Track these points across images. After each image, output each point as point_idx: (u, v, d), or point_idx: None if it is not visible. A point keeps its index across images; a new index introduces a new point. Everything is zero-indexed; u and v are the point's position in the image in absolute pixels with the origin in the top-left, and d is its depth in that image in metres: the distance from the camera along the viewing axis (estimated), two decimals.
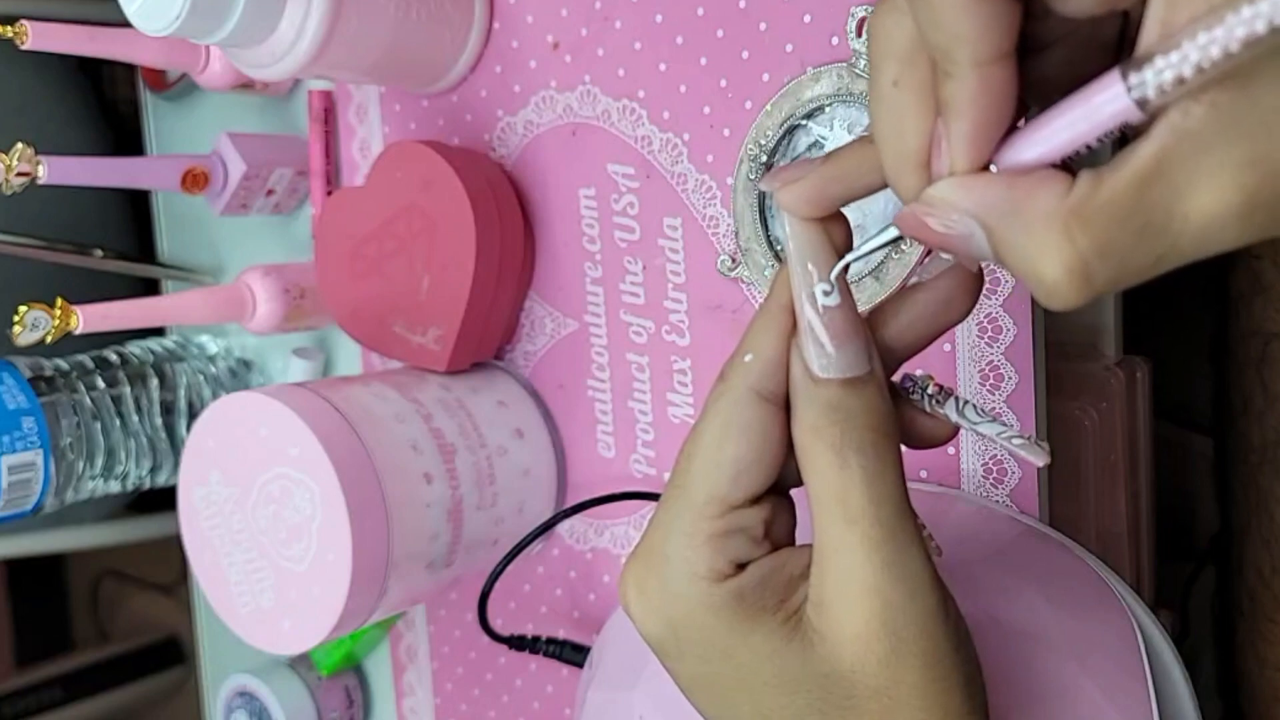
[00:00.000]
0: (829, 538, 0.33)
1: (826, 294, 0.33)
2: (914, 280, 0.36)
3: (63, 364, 0.74)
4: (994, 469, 0.53)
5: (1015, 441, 0.34)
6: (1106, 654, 0.45)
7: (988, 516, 0.51)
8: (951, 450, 0.53)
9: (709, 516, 0.34)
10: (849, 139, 0.54)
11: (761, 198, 0.56)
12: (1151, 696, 0.44)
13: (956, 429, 0.36)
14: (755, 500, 0.34)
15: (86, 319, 0.64)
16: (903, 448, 0.35)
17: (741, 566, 0.34)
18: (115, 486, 0.76)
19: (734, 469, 0.34)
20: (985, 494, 0.53)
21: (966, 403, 0.35)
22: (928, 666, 0.33)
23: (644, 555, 0.35)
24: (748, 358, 0.34)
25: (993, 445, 0.53)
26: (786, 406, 0.34)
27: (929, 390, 0.35)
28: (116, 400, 0.75)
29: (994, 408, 0.52)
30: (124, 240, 1.00)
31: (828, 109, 0.54)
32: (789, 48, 0.55)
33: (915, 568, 0.32)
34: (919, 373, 0.36)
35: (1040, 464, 0.34)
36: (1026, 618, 0.45)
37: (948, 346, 0.53)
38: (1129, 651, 0.45)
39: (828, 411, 0.32)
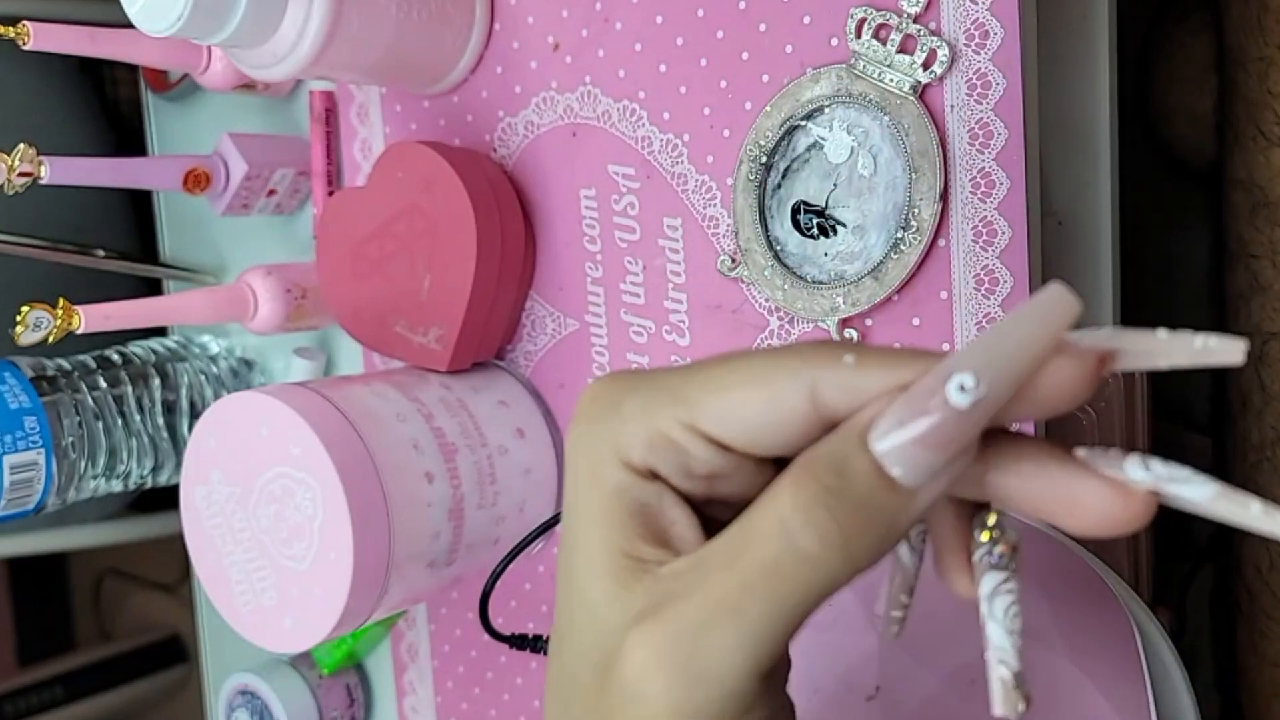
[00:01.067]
0: (717, 561, 0.28)
1: (965, 390, 0.26)
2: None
3: (65, 364, 0.74)
4: None
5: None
6: (1104, 652, 0.45)
7: None
8: (946, 347, 0.53)
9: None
10: (847, 137, 0.54)
11: (761, 198, 0.57)
12: (1149, 694, 0.44)
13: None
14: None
15: (88, 319, 0.64)
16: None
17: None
18: (117, 486, 0.76)
19: (746, 409, 0.29)
20: None
21: (1008, 580, 0.29)
22: None
23: None
24: (848, 359, 0.28)
25: None
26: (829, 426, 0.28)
27: (995, 548, 0.29)
28: (118, 400, 0.75)
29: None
30: (126, 240, 1.00)
31: (827, 110, 0.54)
32: (788, 49, 0.56)
33: (726, 689, 0.27)
34: (994, 523, 0.29)
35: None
36: (1026, 618, 0.45)
37: (946, 346, 0.54)
38: (1126, 650, 0.45)
39: (845, 485, 0.27)
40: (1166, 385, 0.75)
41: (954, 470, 0.27)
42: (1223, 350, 0.25)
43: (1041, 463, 0.27)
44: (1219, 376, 0.78)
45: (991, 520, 0.29)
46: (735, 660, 0.27)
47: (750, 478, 0.30)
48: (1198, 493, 0.26)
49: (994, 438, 0.28)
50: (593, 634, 0.29)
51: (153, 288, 0.92)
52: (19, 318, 0.62)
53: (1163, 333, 0.26)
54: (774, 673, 0.28)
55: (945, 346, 0.53)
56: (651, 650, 0.27)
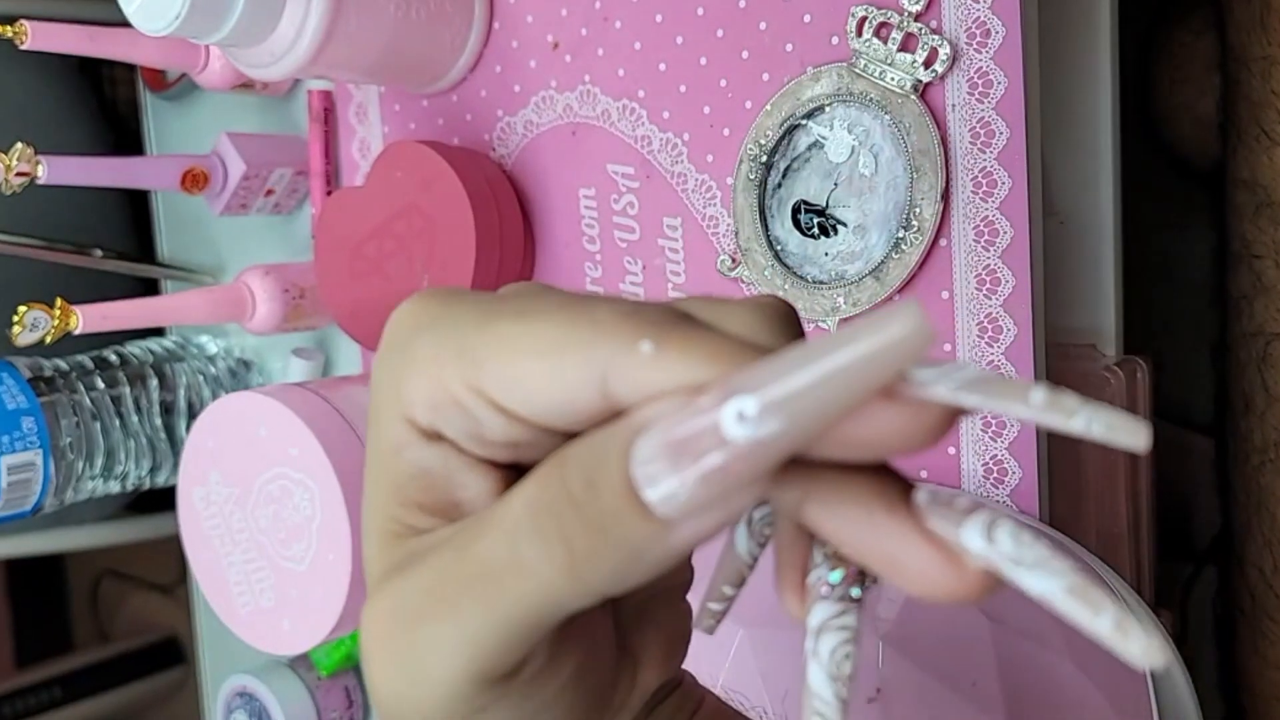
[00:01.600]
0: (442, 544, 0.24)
1: (745, 420, 0.20)
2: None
3: (62, 364, 0.74)
4: (994, 469, 0.53)
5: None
6: (1106, 655, 0.44)
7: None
8: (952, 450, 0.53)
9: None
10: (848, 136, 0.54)
11: (761, 198, 0.56)
12: (1151, 696, 0.44)
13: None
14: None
15: (86, 319, 0.64)
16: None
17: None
18: (115, 486, 0.76)
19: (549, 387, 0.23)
20: (985, 494, 0.53)
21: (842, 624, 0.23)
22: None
23: None
24: (645, 346, 0.22)
25: (992, 446, 0.53)
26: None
27: (831, 574, 0.24)
28: (116, 400, 0.74)
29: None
30: (124, 240, 0.99)
31: (827, 109, 0.54)
32: (789, 47, 0.55)
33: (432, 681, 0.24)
34: (831, 571, 0.24)
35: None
36: (1026, 618, 0.44)
37: (947, 347, 0.53)
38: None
39: (590, 498, 0.22)
40: (1169, 386, 0.75)
41: (729, 508, 0.21)
42: (1120, 436, 0.19)
43: (867, 507, 0.22)
44: (1222, 378, 0.78)
45: (830, 570, 0.24)
46: (449, 664, 0.23)
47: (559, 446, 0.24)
48: (1044, 586, 0.20)
49: (819, 464, 0.22)
50: (367, 585, 0.26)
51: (150, 288, 0.92)
52: (16, 318, 0.62)
53: (1037, 395, 0.20)
54: (520, 671, 0.24)
55: (946, 348, 0.53)
56: (374, 629, 0.24)
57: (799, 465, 0.22)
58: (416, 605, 0.24)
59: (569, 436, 0.23)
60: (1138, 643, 0.19)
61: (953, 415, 0.21)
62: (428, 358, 0.24)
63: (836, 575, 0.23)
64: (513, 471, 0.25)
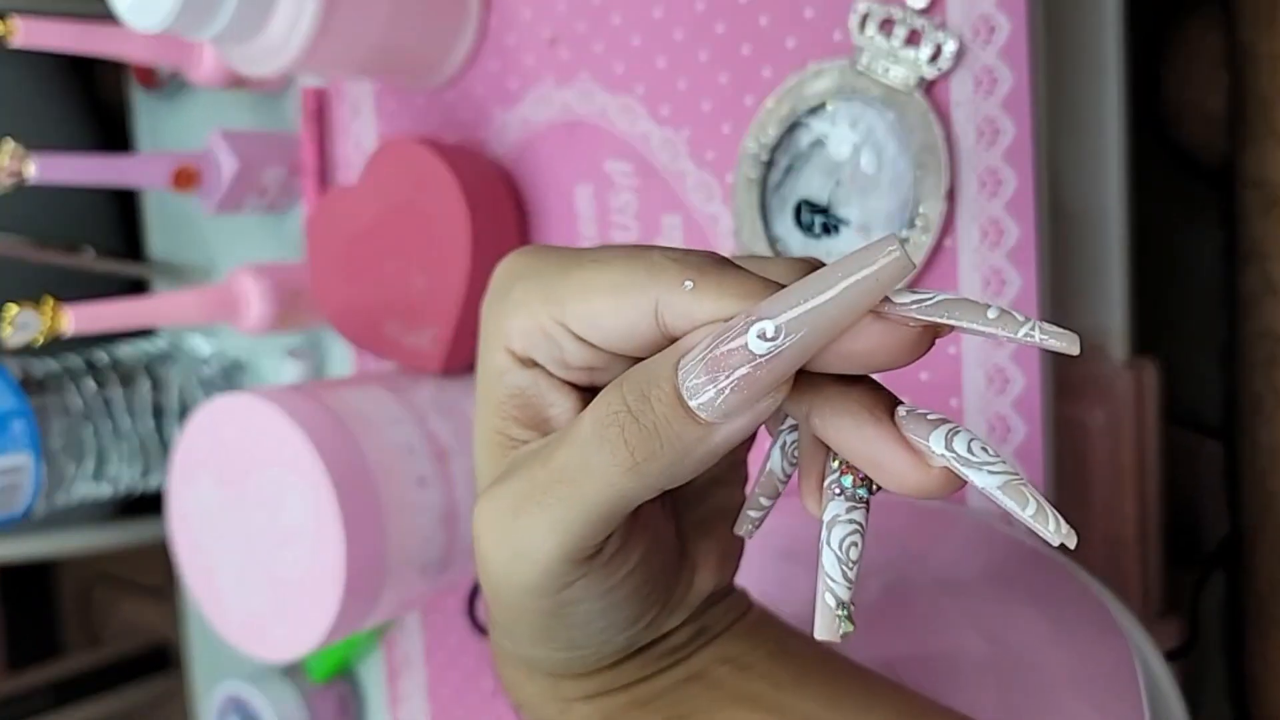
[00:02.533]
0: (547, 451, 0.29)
1: (764, 339, 0.26)
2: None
3: (53, 366, 0.73)
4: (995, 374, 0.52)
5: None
6: (1103, 680, 0.44)
7: (989, 537, 0.51)
8: (953, 350, 0.52)
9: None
10: (851, 133, 0.53)
11: (762, 196, 0.55)
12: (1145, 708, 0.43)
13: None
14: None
15: (76, 320, 0.63)
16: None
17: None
18: (106, 489, 0.75)
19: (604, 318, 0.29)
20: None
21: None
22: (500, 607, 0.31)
23: None
24: (688, 284, 0.28)
25: (993, 354, 0.52)
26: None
27: (843, 477, 0.29)
28: (107, 402, 0.74)
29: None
30: (114, 239, 0.99)
31: (830, 105, 0.53)
32: (790, 43, 0.55)
33: (538, 552, 0.29)
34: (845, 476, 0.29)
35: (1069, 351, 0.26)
36: (1024, 641, 0.44)
37: (953, 349, 0.52)
38: (1126, 678, 0.44)
39: (645, 408, 0.27)
40: (1177, 388, 0.74)
41: (758, 411, 0.27)
42: (1055, 342, 0.25)
43: (858, 417, 0.27)
44: (1230, 379, 0.77)
45: (844, 474, 0.29)
46: (543, 547, 0.29)
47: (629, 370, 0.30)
48: (983, 480, 0.26)
49: (824, 378, 0.28)
50: (478, 490, 0.32)
51: (141, 288, 0.91)
52: (5, 318, 0.61)
53: (992, 312, 0.25)
54: (599, 553, 0.30)
55: (951, 350, 0.52)
56: (483, 523, 0.30)
57: (808, 382, 0.28)
58: (516, 502, 0.29)
59: (634, 361, 0.29)
60: (1052, 525, 0.25)
61: (929, 332, 0.26)
62: (521, 299, 0.30)
63: (848, 480, 0.28)
64: (590, 393, 0.31)
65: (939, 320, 0.26)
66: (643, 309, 0.28)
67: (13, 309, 0.62)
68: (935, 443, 0.26)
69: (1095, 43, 0.56)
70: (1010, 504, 0.26)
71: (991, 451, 0.26)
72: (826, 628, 0.28)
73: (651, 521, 0.32)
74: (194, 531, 0.61)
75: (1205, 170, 0.71)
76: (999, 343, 0.51)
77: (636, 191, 0.61)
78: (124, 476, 0.75)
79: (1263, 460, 0.72)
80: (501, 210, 0.63)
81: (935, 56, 0.51)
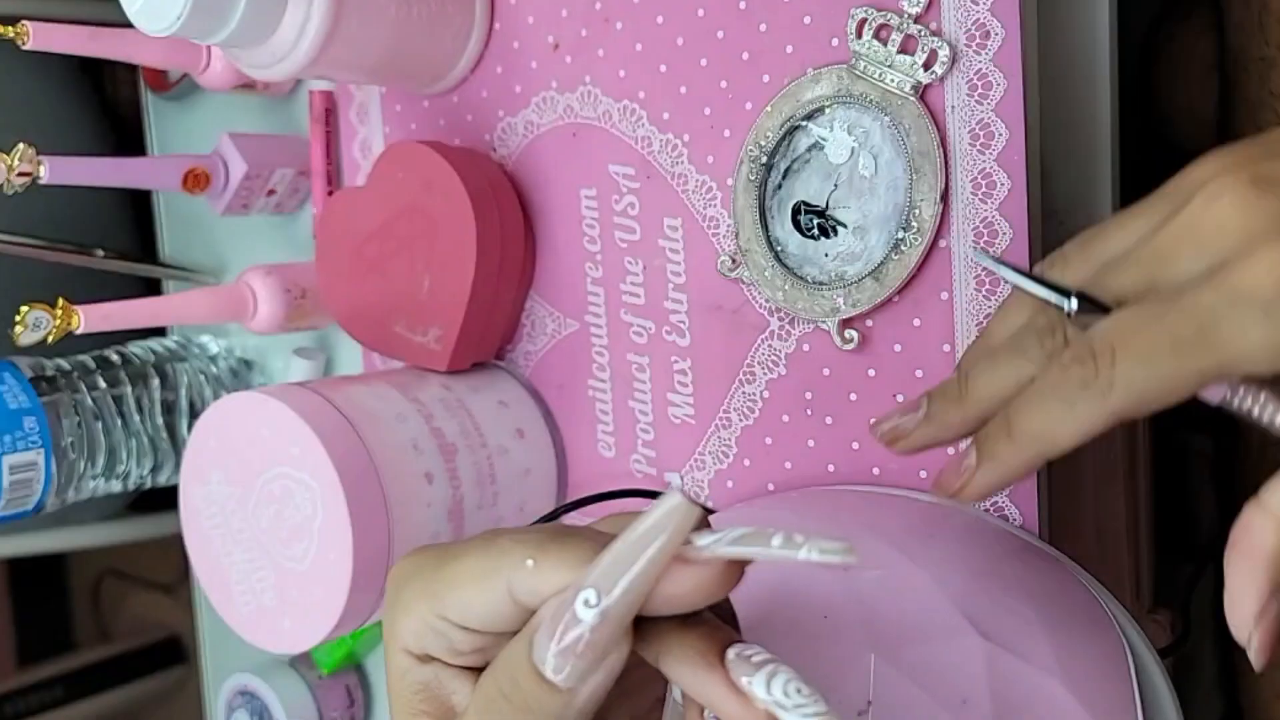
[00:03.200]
0: None
1: (590, 605, 0.29)
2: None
3: (64, 364, 0.74)
4: None
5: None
6: (1095, 672, 0.44)
7: (983, 530, 0.51)
8: (951, 450, 0.53)
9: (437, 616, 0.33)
10: (848, 137, 0.54)
11: (762, 199, 0.56)
12: (1139, 714, 0.44)
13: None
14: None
15: (88, 319, 0.64)
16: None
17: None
18: (116, 486, 0.76)
19: (468, 613, 0.32)
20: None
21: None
22: None
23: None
24: (529, 563, 0.31)
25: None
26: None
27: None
28: (118, 400, 0.75)
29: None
30: (125, 240, 1.00)
31: (827, 110, 0.54)
32: (789, 49, 0.55)
33: None
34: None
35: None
36: (1016, 636, 0.44)
37: (947, 347, 0.53)
38: (1118, 671, 0.45)
39: (515, 690, 0.31)
40: None
41: (609, 668, 0.30)
42: (830, 557, 0.27)
43: (692, 664, 0.30)
44: None
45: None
46: None
47: None
48: None
49: (666, 625, 0.31)
50: None
51: (152, 288, 0.92)
52: (18, 318, 0.62)
53: (776, 539, 0.28)
54: None
55: (945, 348, 0.53)
56: None
57: (652, 628, 0.30)
58: None
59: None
60: None
61: (732, 566, 0.29)
62: (408, 602, 0.33)
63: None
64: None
65: (734, 555, 0.29)
66: (500, 591, 0.31)
67: (25, 308, 0.62)
68: (757, 687, 0.29)
69: (1087, 48, 0.57)
70: None
71: (807, 694, 0.28)
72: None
73: None
74: (205, 527, 0.62)
75: None
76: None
77: (638, 194, 0.62)
78: (134, 473, 0.76)
79: (1254, 457, 0.72)
80: (506, 211, 0.64)
81: (930, 62, 0.52)
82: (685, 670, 0.30)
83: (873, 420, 0.45)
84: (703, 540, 0.29)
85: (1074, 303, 0.38)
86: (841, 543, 0.27)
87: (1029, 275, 0.40)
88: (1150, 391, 0.36)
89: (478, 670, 0.34)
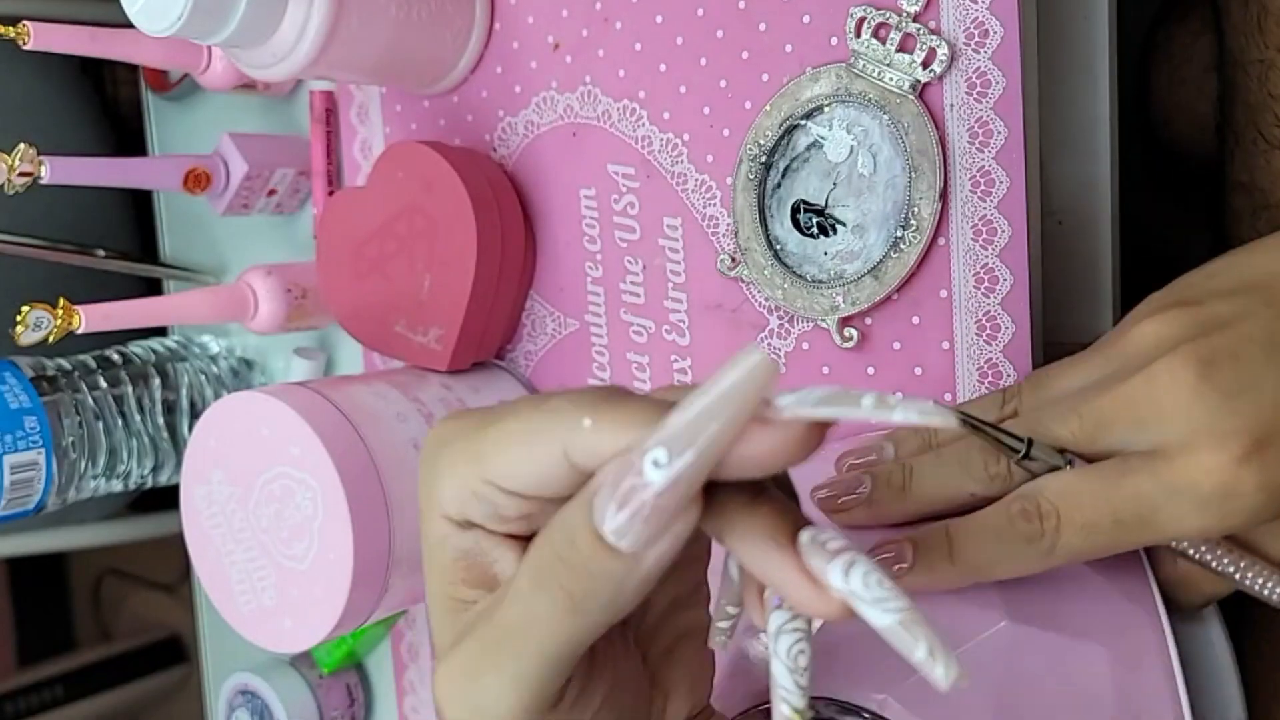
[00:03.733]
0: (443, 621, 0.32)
1: (659, 465, 0.27)
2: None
3: (65, 363, 0.74)
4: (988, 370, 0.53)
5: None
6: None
7: None
8: (945, 345, 0.53)
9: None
10: (847, 136, 0.54)
11: (761, 198, 0.57)
12: (1149, 572, 0.45)
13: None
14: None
15: (89, 319, 0.64)
16: None
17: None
18: (117, 485, 0.76)
19: (517, 469, 0.30)
20: None
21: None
22: None
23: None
24: (587, 422, 0.29)
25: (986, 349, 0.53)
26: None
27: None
28: (119, 400, 0.75)
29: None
30: (126, 240, 1.00)
31: (826, 109, 0.54)
32: (788, 48, 0.56)
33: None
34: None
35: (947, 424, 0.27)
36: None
37: (945, 345, 0.53)
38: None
39: (573, 553, 0.28)
40: None
41: (676, 535, 0.28)
42: (927, 416, 0.26)
43: (760, 543, 0.28)
44: None
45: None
46: (505, 703, 0.30)
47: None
48: (878, 620, 0.26)
49: (731, 498, 0.29)
50: (435, 653, 0.33)
51: (153, 288, 0.92)
52: (19, 317, 0.62)
53: (867, 400, 0.26)
54: (562, 700, 0.31)
55: (944, 346, 0.53)
56: (444, 689, 0.31)
57: (719, 502, 0.28)
58: (471, 664, 0.30)
59: (567, 500, 0.29)
60: (940, 670, 0.25)
61: (814, 428, 0.27)
62: (448, 466, 0.31)
63: None
64: (531, 540, 0.31)
65: (819, 416, 0.27)
66: (552, 453, 0.29)
67: (26, 308, 0.62)
68: (834, 576, 0.27)
69: (1086, 46, 0.57)
70: (901, 646, 0.26)
71: (888, 587, 0.26)
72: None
73: (611, 660, 0.33)
74: (205, 526, 0.62)
75: (1195, 172, 0.72)
76: (989, 336, 0.52)
77: (638, 194, 0.62)
78: (135, 472, 0.76)
79: None
80: (506, 211, 0.64)
81: (929, 61, 0.52)
82: (754, 549, 0.28)
83: (813, 487, 0.47)
84: (783, 400, 0.27)
85: (1026, 450, 0.42)
86: (938, 405, 0.26)
87: (987, 424, 0.42)
88: (1088, 554, 0.41)
89: (522, 540, 0.32)
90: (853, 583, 0.26)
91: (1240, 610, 0.77)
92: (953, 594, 0.42)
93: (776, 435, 0.27)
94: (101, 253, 0.80)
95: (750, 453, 0.27)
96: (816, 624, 0.29)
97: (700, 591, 0.36)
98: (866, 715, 0.39)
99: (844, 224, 0.55)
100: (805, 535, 0.28)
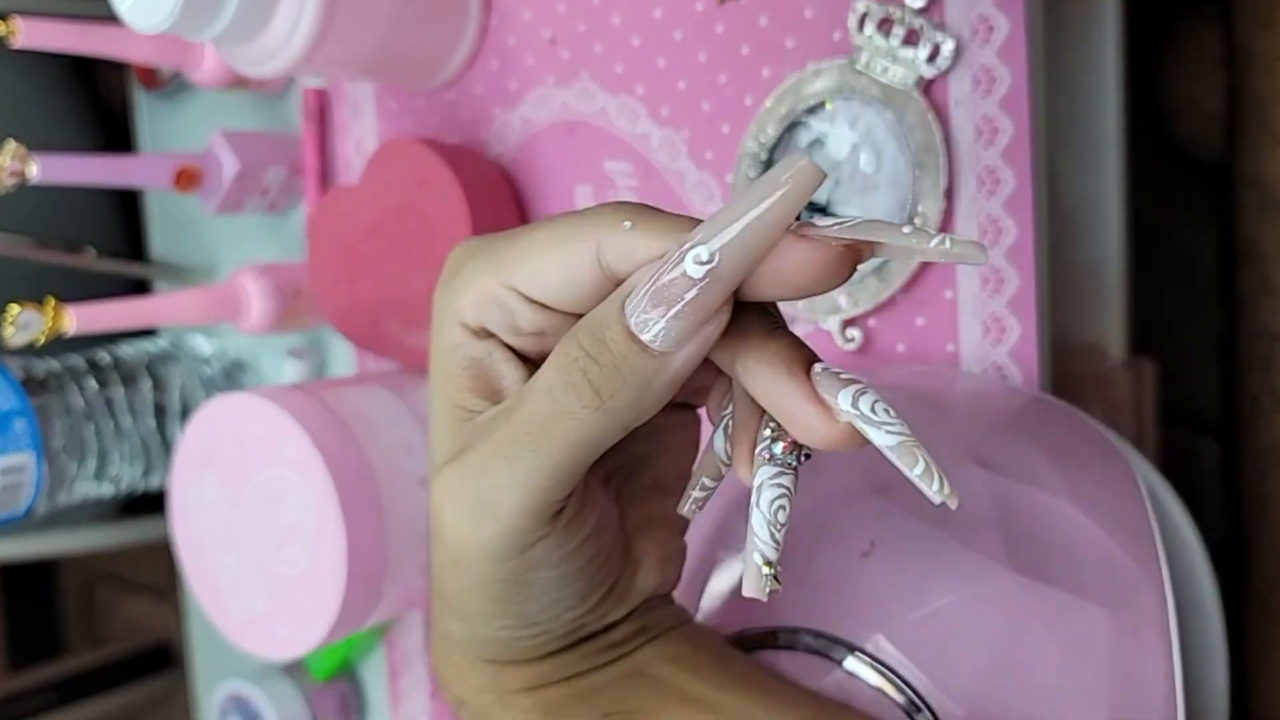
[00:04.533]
0: (500, 427, 0.31)
1: (700, 263, 0.28)
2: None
3: (55, 365, 0.73)
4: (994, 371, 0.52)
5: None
6: (1106, 495, 0.44)
7: (985, 388, 0.51)
8: (951, 347, 0.52)
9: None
10: (850, 133, 0.53)
11: None
12: (1153, 523, 0.44)
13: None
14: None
15: (78, 320, 0.63)
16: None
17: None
18: (108, 489, 0.75)
19: (549, 271, 0.31)
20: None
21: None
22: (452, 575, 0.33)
23: None
24: (626, 224, 0.29)
25: (991, 351, 0.52)
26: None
27: (774, 445, 0.31)
28: (109, 402, 0.74)
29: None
30: (116, 239, 0.99)
31: (829, 105, 0.54)
32: (790, 43, 0.55)
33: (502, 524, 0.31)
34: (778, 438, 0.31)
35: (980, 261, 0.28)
36: (1020, 463, 0.44)
37: (951, 347, 0.53)
38: (1130, 493, 0.45)
39: (602, 349, 0.29)
40: (1174, 387, 0.74)
41: (704, 337, 0.29)
42: (965, 253, 0.27)
43: (775, 368, 0.29)
44: (1228, 378, 0.77)
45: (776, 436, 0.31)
46: (509, 502, 0.30)
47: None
48: (881, 439, 0.28)
49: (751, 327, 0.30)
50: (431, 472, 0.33)
51: (143, 288, 0.91)
52: (8, 318, 0.62)
53: (907, 229, 0.27)
54: (560, 515, 0.31)
55: (949, 348, 0.53)
56: (446, 488, 0.31)
57: (737, 332, 0.29)
58: (482, 463, 0.30)
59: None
60: (936, 485, 0.27)
61: (851, 252, 0.28)
62: (472, 273, 0.32)
63: (778, 446, 0.30)
64: (538, 365, 0.32)
65: (858, 238, 0.27)
66: (585, 256, 0.30)
67: (14, 309, 0.62)
68: (843, 400, 0.28)
69: (1094, 41, 0.56)
70: (901, 463, 0.28)
71: (893, 414, 0.28)
72: (754, 586, 0.29)
73: (598, 501, 0.34)
74: (196, 531, 0.61)
75: (1204, 168, 0.71)
76: (994, 338, 0.52)
77: (636, 191, 0.61)
78: (125, 476, 0.75)
79: (1260, 460, 0.72)
80: (502, 210, 0.63)
81: (934, 56, 0.51)
82: (767, 374, 0.29)
83: None
84: (825, 222, 0.28)
85: None
86: (977, 244, 0.27)
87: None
88: None
89: (532, 362, 0.33)
90: (861, 407, 0.28)
91: (1237, 607, 0.77)
92: (957, 541, 0.41)
93: (812, 251, 0.28)
94: (93, 252, 0.79)
95: (785, 266, 0.28)
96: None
97: (681, 482, 0.37)
98: (859, 651, 0.39)
99: None
100: (818, 366, 0.29)
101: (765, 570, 0.30)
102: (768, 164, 0.55)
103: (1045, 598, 0.41)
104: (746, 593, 0.30)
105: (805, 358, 0.29)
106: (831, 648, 0.40)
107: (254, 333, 0.72)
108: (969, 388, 0.51)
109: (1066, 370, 0.62)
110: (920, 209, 0.51)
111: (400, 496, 0.58)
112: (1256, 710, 0.76)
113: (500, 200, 0.63)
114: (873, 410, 0.28)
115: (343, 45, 0.59)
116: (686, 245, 0.28)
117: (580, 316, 0.31)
